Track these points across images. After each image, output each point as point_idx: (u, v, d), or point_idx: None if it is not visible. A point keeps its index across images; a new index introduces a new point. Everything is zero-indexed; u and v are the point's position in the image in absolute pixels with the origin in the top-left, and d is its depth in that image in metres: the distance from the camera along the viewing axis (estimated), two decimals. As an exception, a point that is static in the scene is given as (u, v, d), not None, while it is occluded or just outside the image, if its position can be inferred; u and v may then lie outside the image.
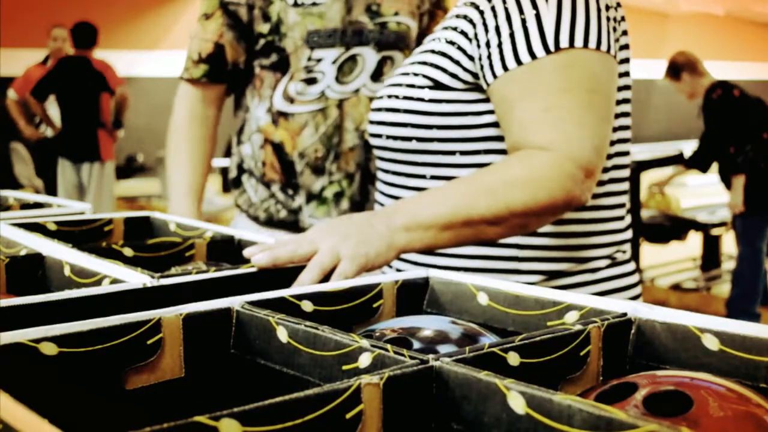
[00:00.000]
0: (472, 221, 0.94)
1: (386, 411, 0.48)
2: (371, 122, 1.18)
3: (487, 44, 1.03)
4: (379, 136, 1.16)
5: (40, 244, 0.93)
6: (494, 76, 1.02)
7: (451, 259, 1.11)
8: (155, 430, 0.38)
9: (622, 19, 1.08)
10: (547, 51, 0.98)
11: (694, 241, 5.26)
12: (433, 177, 1.11)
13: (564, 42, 0.98)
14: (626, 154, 1.14)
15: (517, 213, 0.94)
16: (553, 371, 0.58)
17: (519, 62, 1.00)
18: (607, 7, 1.03)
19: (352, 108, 1.53)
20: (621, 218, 1.14)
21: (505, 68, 1.01)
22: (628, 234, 1.17)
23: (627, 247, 1.17)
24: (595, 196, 1.09)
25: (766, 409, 0.50)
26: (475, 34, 1.05)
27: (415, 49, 1.46)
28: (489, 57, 1.03)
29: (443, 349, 0.62)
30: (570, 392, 0.58)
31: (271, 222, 1.58)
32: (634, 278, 1.16)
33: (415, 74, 1.11)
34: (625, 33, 1.09)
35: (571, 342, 0.59)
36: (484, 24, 1.04)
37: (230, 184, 1.68)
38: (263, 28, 1.54)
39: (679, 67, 4.27)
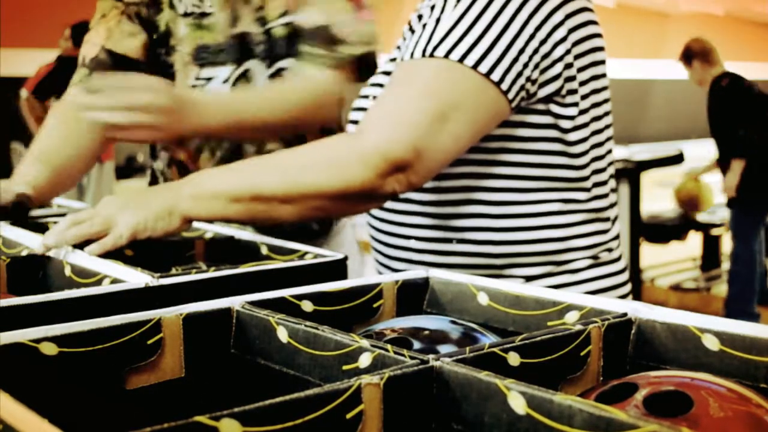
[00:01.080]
0: (262, 196, 0.95)
1: (386, 411, 0.48)
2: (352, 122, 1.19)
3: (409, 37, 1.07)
4: None
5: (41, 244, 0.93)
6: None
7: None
8: (155, 430, 0.38)
9: (581, 25, 1.04)
10: (424, 54, 0.99)
11: (694, 241, 5.26)
12: (421, 189, 1.08)
13: (440, 52, 0.98)
14: (603, 157, 1.11)
15: (308, 194, 0.95)
16: (554, 371, 0.58)
17: (403, 59, 1.03)
18: (532, 38, 0.99)
19: None
20: (605, 219, 1.13)
21: (402, 59, 1.04)
22: (615, 231, 1.15)
23: (615, 244, 1.15)
24: (572, 201, 1.08)
25: (766, 410, 0.50)
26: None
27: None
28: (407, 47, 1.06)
29: (443, 349, 0.62)
30: (570, 392, 0.58)
31: None
32: (622, 277, 1.14)
33: (381, 85, 1.12)
34: (586, 39, 1.05)
35: (572, 342, 0.59)
36: (411, 29, 1.09)
37: None
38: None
39: (692, 54, 4.26)
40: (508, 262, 1.08)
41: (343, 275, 0.87)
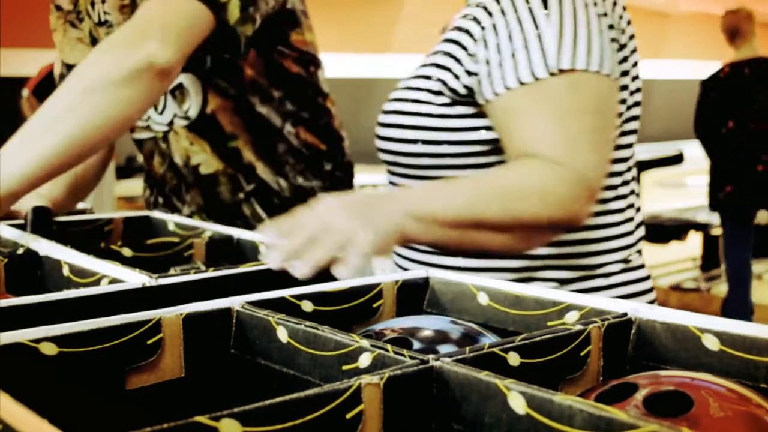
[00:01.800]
0: (482, 225, 0.93)
1: (386, 411, 0.48)
2: (379, 137, 1.17)
3: (487, 62, 1.02)
4: (387, 151, 1.15)
5: (39, 244, 0.93)
6: (495, 93, 1.01)
7: (462, 271, 1.10)
8: (155, 430, 0.38)
9: (628, 23, 1.07)
10: (550, 72, 0.97)
11: (694, 241, 5.26)
12: None
13: (566, 64, 0.97)
14: (628, 159, 1.13)
15: (526, 225, 0.94)
16: (554, 371, 0.58)
17: (521, 82, 0.99)
18: (611, 27, 1.02)
19: (175, 142, 1.41)
20: (631, 219, 1.13)
21: (507, 87, 1.00)
22: (641, 232, 1.16)
23: (641, 246, 1.15)
24: (604, 200, 1.09)
25: (766, 410, 0.50)
26: (476, 50, 1.04)
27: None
28: (489, 74, 1.01)
29: (443, 349, 0.62)
30: (570, 392, 0.58)
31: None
32: (649, 283, 1.15)
33: (419, 89, 1.10)
34: (632, 37, 1.07)
35: (572, 342, 0.59)
36: (485, 40, 1.03)
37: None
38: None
39: (733, 31, 4.13)
40: (543, 264, 1.08)
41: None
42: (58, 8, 1.46)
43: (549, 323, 0.68)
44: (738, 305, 4.10)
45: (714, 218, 5.05)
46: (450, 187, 0.96)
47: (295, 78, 1.41)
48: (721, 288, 4.76)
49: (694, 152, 4.92)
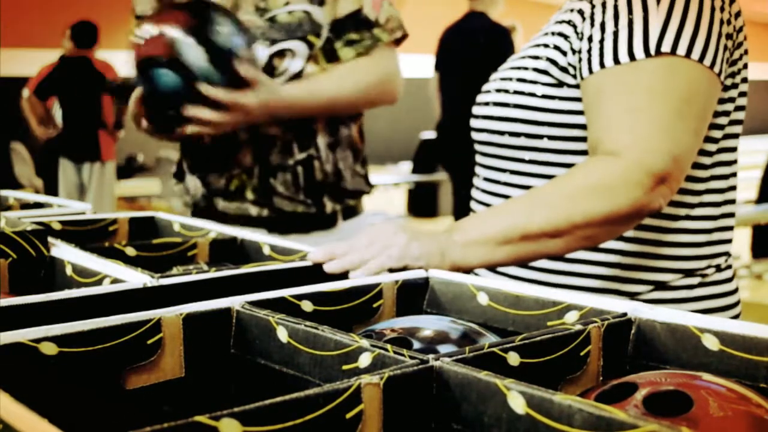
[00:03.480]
0: (530, 235, 0.92)
1: (386, 411, 0.48)
2: (475, 116, 1.16)
3: (590, 39, 1.02)
4: (483, 130, 1.15)
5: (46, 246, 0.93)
6: (590, 71, 1.00)
7: (550, 275, 1.11)
8: (155, 430, 0.38)
9: (740, 29, 1.05)
10: (647, 54, 0.96)
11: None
12: (537, 175, 1.09)
13: (666, 47, 0.95)
14: (730, 163, 1.10)
15: (578, 224, 0.92)
16: (553, 371, 0.58)
17: (617, 61, 0.98)
18: (723, 22, 1.00)
19: None
20: (727, 228, 1.11)
21: (602, 65, 0.99)
22: (729, 236, 1.12)
23: (729, 249, 1.13)
24: (689, 205, 1.07)
25: (766, 409, 0.50)
26: (582, 28, 1.04)
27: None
28: (589, 51, 1.01)
29: (443, 349, 0.62)
30: (570, 392, 0.58)
31: (199, 209, 1.59)
32: (735, 298, 1.12)
33: (526, 68, 1.10)
34: (745, 38, 1.06)
35: (571, 342, 0.59)
36: (592, 18, 1.03)
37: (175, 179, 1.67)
38: None
39: None
40: (634, 263, 1.07)
41: (344, 276, 0.87)
42: None
43: (549, 323, 0.68)
44: None
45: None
46: (496, 208, 0.98)
47: None
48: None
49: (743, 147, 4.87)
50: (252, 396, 0.46)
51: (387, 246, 0.89)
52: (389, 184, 6.32)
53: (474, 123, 1.17)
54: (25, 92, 5.50)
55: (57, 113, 5.43)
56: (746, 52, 1.07)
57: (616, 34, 0.99)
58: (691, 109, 0.96)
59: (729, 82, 1.04)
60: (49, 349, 0.54)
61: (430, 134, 6.42)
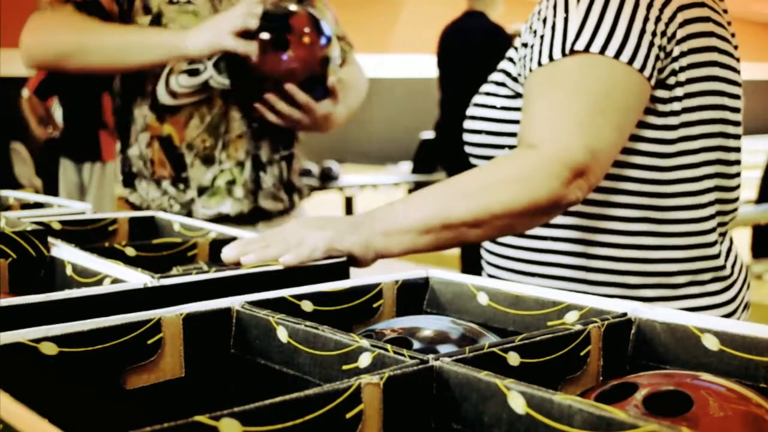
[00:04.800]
0: (451, 225, 0.94)
1: (386, 411, 0.48)
2: (465, 130, 1.19)
3: (525, 45, 1.06)
4: (465, 142, 1.19)
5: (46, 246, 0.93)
6: (525, 77, 1.04)
7: (518, 263, 1.14)
8: (155, 430, 0.38)
9: (683, 23, 1.02)
10: (563, 54, 0.99)
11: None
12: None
13: (580, 46, 0.98)
14: (702, 165, 1.07)
15: (497, 215, 0.94)
16: (553, 371, 0.58)
17: (540, 63, 1.01)
18: (648, 19, 0.99)
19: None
20: (710, 238, 1.09)
21: (531, 69, 1.03)
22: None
23: (724, 263, 1.13)
24: (665, 208, 1.06)
25: (766, 409, 0.50)
26: (526, 38, 1.07)
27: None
28: (524, 57, 1.05)
29: (443, 349, 0.62)
30: (570, 392, 0.58)
31: None
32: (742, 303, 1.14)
33: (489, 81, 1.15)
34: (700, 50, 1.04)
35: (571, 342, 0.59)
36: (530, 26, 1.07)
37: (122, 185, 1.67)
38: (143, 20, 1.53)
39: None
40: (600, 266, 1.08)
41: (345, 276, 0.87)
42: None
43: (549, 323, 0.68)
44: None
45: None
46: (417, 196, 0.99)
47: None
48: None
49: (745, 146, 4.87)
50: (252, 396, 0.46)
51: (306, 238, 0.89)
52: (389, 184, 6.33)
53: (465, 137, 1.21)
54: (25, 92, 5.50)
55: (57, 113, 5.43)
56: (712, 49, 1.05)
57: (542, 37, 1.02)
58: (611, 104, 0.97)
59: (672, 80, 1.03)
60: (49, 349, 0.54)
61: (430, 134, 6.43)
